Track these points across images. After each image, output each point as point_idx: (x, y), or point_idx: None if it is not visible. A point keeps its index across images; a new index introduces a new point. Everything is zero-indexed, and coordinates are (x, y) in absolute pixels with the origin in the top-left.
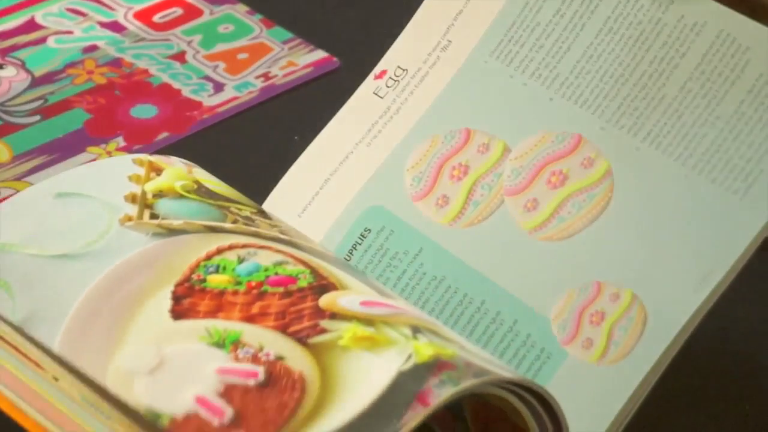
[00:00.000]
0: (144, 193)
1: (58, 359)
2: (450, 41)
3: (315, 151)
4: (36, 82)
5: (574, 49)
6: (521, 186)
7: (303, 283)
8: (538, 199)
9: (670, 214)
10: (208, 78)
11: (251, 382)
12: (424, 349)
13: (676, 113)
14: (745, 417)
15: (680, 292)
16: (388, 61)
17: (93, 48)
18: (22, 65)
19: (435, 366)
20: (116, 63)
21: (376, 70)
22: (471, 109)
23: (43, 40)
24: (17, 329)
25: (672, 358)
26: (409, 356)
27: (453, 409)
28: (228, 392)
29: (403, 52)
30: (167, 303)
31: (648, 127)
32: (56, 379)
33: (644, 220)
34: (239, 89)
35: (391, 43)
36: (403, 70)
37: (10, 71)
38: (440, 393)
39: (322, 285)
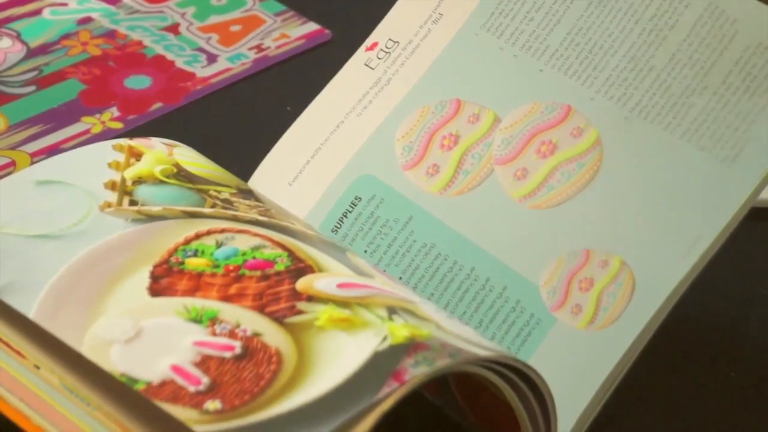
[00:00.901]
0: (123, 180)
1: (33, 328)
2: (441, 14)
3: (306, 121)
4: (31, 53)
5: (564, 21)
6: (511, 155)
7: (280, 266)
8: (527, 168)
9: (659, 182)
10: (201, 49)
11: (227, 354)
12: (400, 331)
13: (665, 83)
14: (729, 383)
15: (668, 259)
16: (379, 34)
17: (88, 20)
18: (18, 36)
19: (410, 347)
20: (111, 34)
21: (368, 42)
22: (462, 81)
23: (38, 11)
24: None
25: (659, 324)
26: (385, 337)
27: (439, 379)
28: (204, 362)
29: (394, 24)
30: (145, 281)
31: (637, 97)
32: (38, 368)
33: (633, 189)
34: (232, 61)
35: (382, 16)
36: (395, 42)
37: (5, 42)
38: (415, 372)
39: (299, 268)
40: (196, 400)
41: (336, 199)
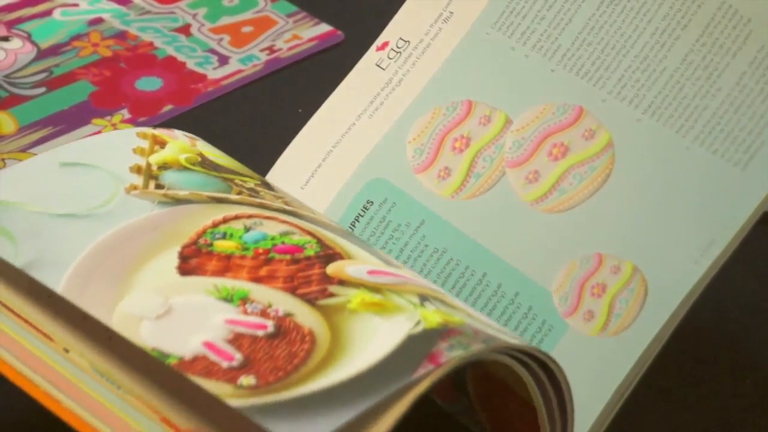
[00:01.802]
0: (149, 165)
1: (60, 301)
2: (452, 13)
3: (317, 124)
4: (41, 55)
5: (576, 20)
6: (523, 158)
7: (310, 252)
8: (539, 171)
9: (671, 185)
10: (212, 51)
11: (260, 333)
12: (432, 316)
13: (678, 85)
14: (744, 388)
15: (681, 264)
16: (390, 33)
17: (98, 21)
18: (28, 37)
19: (444, 332)
20: (121, 36)
21: (378, 41)
22: (473, 81)
23: (48, 12)
24: (20, 273)
25: (673, 330)
26: (418, 322)
27: (455, 382)
28: (237, 340)
29: (405, 23)
30: (174, 261)
31: (649, 99)
32: (67, 351)
33: (645, 192)
34: (244, 62)
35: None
36: (405, 41)
37: (15, 43)
38: (451, 355)
39: (329, 254)
40: (230, 375)
41: (348, 203)
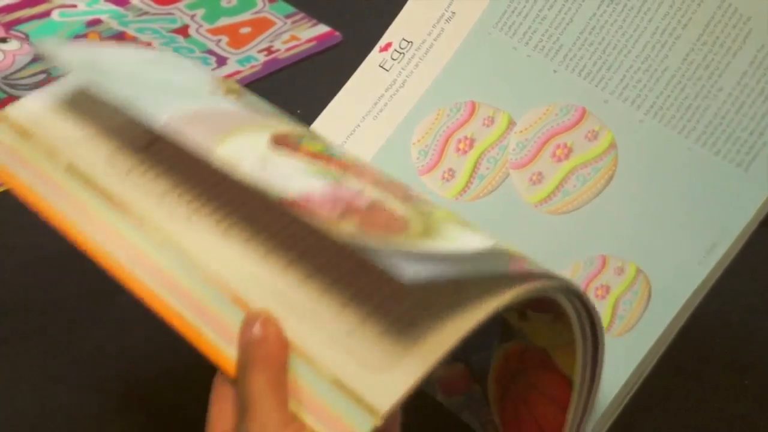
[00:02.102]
0: (226, 85)
1: (162, 140)
2: (454, 13)
3: (321, 126)
4: (39, 56)
5: (577, 20)
6: (526, 159)
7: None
8: (542, 172)
9: (674, 187)
10: (210, 52)
11: (354, 207)
12: (507, 245)
13: (679, 85)
14: (744, 389)
15: (684, 265)
16: (392, 33)
17: (96, 22)
18: (26, 39)
19: (520, 258)
20: (119, 37)
21: (381, 42)
22: (476, 82)
23: (47, 13)
24: (118, 108)
25: (676, 331)
26: (497, 243)
27: (474, 371)
28: (336, 200)
29: (407, 23)
30: (265, 140)
31: (651, 100)
32: (141, 222)
33: (648, 193)
34: (242, 63)
35: (393, 17)
36: (408, 42)
37: (14, 44)
38: (534, 270)
39: (405, 184)
40: (332, 218)
41: None
